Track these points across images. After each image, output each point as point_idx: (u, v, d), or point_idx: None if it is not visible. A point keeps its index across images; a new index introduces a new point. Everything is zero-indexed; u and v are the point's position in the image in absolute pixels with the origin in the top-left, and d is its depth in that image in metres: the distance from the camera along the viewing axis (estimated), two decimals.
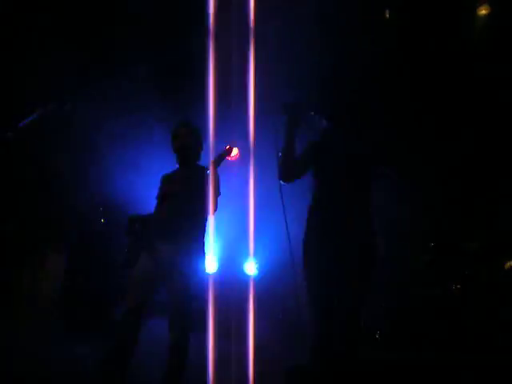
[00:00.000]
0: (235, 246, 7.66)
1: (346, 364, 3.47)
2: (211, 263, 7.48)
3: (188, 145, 4.70)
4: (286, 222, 3.86)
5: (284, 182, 3.82)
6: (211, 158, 4.46)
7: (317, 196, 3.74)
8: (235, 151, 4.63)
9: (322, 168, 3.76)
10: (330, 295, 3.59)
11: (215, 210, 4.51)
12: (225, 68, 6.24)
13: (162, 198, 4.68)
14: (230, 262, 7.72)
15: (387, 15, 7.09)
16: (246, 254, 7.78)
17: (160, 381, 4.29)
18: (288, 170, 3.78)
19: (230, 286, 7.00)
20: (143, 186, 5.88)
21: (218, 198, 4.55)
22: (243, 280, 7.49)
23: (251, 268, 7.74)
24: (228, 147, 4.51)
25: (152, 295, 4.52)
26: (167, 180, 4.77)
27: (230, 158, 4.59)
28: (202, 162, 4.72)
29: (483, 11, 7.14)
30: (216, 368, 5.40)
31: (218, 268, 7.61)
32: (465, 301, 6.48)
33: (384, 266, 6.71)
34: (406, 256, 6.87)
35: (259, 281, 7.47)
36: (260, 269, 7.75)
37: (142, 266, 4.47)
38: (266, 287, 7.20)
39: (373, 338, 6.41)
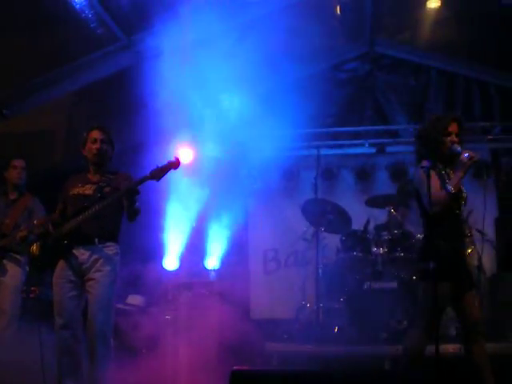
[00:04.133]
0: (195, 244, 7.79)
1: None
2: (172, 261, 7.61)
3: (105, 150, 4.73)
4: None
5: (437, 211, 4.22)
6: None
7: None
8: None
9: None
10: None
11: (135, 215, 4.54)
12: None
13: (72, 200, 4.66)
14: (191, 258, 7.79)
15: None
16: (206, 251, 7.93)
17: None
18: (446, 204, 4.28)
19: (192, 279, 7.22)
20: None
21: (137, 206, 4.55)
22: (204, 273, 7.66)
23: (211, 263, 7.86)
24: (175, 159, 4.46)
25: (79, 305, 4.56)
26: (77, 182, 4.74)
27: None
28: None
29: None
30: None
31: (179, 265, 7.68)
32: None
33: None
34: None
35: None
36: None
37: (60, 277, 4.52)
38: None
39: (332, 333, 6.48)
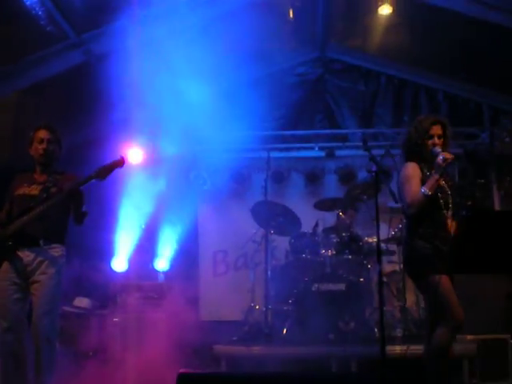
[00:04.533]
0: (145, 245, 7.75)
1: None
2: (121, 262, 7.56)
3: (52, 150, 4.67)
4: None
5: (413, 212, 4.36)
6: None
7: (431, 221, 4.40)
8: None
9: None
10: None
11: (82, 218, 4.51)
12: None
13: (18, 200, 4.59)
14: (140, 260, 7.75)
15: None
16: (155, 253, 7.89)
17: None
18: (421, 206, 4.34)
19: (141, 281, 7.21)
20: None
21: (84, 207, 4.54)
22: (153, 275, 7.75)
23: (161, 265, 7.81)
24: (120, 158, 4.45)
25: (23, 308, 4.47)
26: (23, 182, 4.68)
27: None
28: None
29: None
30: None
31: (128, 266, 7.63)
32: (367, 293, 6.66)
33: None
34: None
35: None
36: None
37: (4, 280, 4.43)
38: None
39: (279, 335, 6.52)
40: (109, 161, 4.40)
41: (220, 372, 3.07)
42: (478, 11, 6.84)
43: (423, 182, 4.36)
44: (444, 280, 4.21)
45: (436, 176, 4.29)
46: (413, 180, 4.39)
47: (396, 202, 4.61)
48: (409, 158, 4.55)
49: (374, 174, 4.53)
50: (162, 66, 6.83)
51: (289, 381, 3.16)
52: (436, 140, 4.44)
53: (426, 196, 4.28)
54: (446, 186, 4.47)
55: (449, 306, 4.23)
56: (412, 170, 4.44)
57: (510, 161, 8.32)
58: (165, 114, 7.42)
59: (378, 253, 4.54)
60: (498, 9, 6.76)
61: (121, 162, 4.40)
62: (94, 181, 4.38)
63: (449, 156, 4.29)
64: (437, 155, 4.32)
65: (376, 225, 4.55)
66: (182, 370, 2.97)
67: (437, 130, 4.46)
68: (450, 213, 4.43)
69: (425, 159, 4.47)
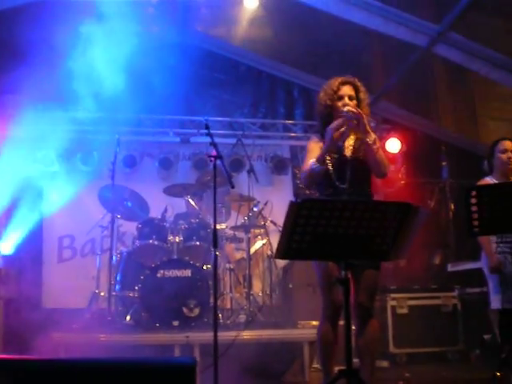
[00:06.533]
0: None
1: None
2: None
3: None
4: None
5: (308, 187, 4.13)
6: None
7: None
8: None
9: None
10: None
11: None
12: None
13: None
14: None
15: None
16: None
17: None
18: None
19: None
20: None
21: None
22: None
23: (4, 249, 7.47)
24: None
25: None
26: None
27: None
28: None
29: None
30: None
31: None
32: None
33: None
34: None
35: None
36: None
37: None
38: None
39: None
40: None
41: (30, 358, 2.91)
42: (339, 11, 7.04)
43: None
44: (327, 267, 3.75)
45: (326, 145, 3.72)
46: (310, 153, 3.89)
47: (232, 187, 4.63)
48: (320, 125, 3.99)
49: (212, 159, 4.53)
50: (22, 39, 6.57)
51: (115, 368, 3.02)
52: (346, 100, 3.86)
53: (313, 169, 3.73)
54: (351, 156, 3.86)
55: (322, 294, 3.87)
56: (312, 142, 3.97)
57: None
58: (15, 89, 7.09)
59: (214, 237, 4.53)
60: (361, 8, 6.99)
61: None
62: None
63: (340, 121, 3.70)
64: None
65: (213, 209, 4.56)
66: None
67: (347, 90, 3.90)
68: (346, 186, 3.75)
69: None
